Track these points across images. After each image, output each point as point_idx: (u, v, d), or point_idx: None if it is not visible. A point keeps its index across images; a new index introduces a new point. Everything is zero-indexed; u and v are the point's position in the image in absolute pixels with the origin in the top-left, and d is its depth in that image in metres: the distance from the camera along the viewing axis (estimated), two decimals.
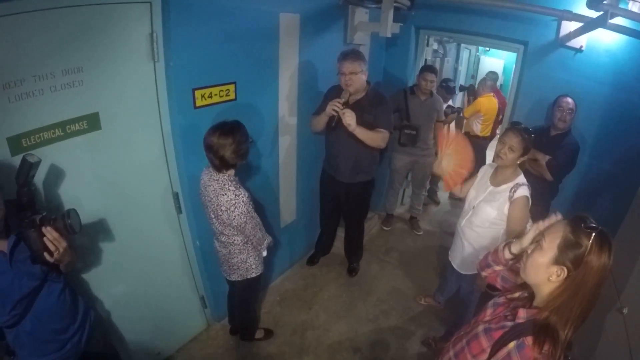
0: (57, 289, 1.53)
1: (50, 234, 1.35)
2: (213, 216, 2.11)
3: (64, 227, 1.39)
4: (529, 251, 1.24)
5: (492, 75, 5.27)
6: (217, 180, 2.01)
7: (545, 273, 1.15)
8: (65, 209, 1.43)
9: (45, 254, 1.35)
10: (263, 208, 2.93)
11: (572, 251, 1.09)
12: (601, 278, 1.08)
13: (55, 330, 1.53)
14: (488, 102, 4.83)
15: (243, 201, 2.00)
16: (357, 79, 2.63)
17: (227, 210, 2.00)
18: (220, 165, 1.98)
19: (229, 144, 1.93)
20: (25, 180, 1.40)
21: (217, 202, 2.00)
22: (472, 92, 5.45)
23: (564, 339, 1.08)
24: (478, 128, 4.86)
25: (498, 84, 5.35)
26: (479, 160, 5.18)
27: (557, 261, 1.12)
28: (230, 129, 1.95)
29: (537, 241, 1.24)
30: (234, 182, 2.02)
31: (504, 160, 2.13)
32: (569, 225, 1.14)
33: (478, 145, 4.99)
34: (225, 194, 1.98)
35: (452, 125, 5.16)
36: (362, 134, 2.62)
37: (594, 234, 1.07)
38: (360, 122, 2.60)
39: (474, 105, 4.90)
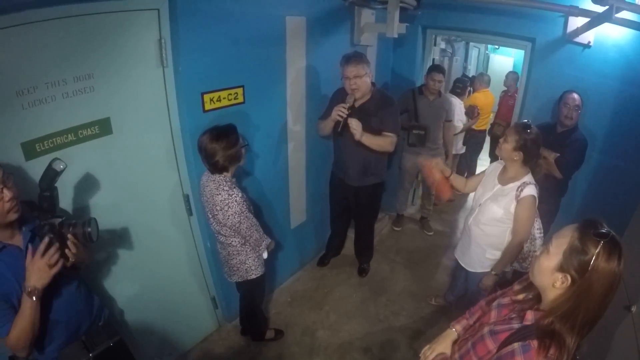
0: (73, 285, 1.58)
1: (69, 242, 1.40)
2: (210, 216, 2.15)
3: (82, 235, 1.44)
4: (538, 253, 1.20)
5: (513, 75, 5.28)
6: (214, 180, 2.05)
7: (550, 279, 1.12)
8: (87, 217, 1.48)
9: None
10: (272, 209, 2.95)
11: (577, 258, 1.05)
12: (609, 288, 1.03)
13: (69, 324, 1.57)
14: (484, 97, 4.93)
15: (236, 201, 2.03)
16: (362, 82, 2.61)
17: (221, 210, 2.03)
18: (212, 167, 2.03)
19: (219, 148, 1.97)
20: (48, 186, 1.42)
21: (213, 202, 2.05)
22: (472, 84, 5.47)
23: (572, 344, 1.05)
24: None
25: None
26: (475, 153, 5.23)
27: (562, 268, 1.08)
28: (220, 133, 1.99)
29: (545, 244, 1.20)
30: (228, 183, 2.05)
31: (501, 151, 2.16)
32: (578, 230, 1.08)
33: (474, 138, 5.05)
34: (220, 194, 2.02)
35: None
36: (369, 140, 2.63)
37: (602, 242, 1.01)
38: (367, 126, 2.61)
39: (470, 100, 4.96)
